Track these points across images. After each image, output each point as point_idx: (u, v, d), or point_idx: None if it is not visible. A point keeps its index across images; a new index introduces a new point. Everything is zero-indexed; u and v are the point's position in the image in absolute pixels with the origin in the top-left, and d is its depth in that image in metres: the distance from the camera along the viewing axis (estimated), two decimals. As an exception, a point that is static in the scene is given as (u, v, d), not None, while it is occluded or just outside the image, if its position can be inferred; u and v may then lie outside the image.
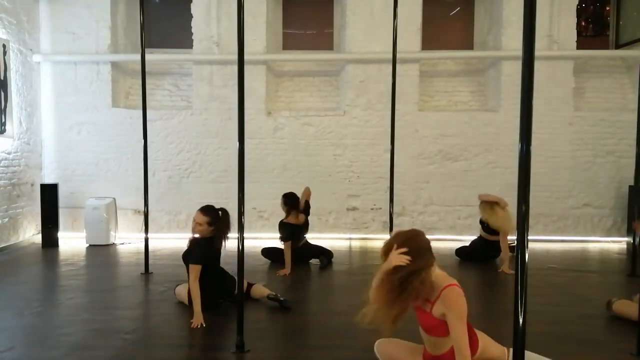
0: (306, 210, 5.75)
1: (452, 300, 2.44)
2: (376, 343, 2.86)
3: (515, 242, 2.05)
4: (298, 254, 5.65)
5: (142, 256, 5.45)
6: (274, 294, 4.28)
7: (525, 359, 2.14)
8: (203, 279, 3.99)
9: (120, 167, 7.50)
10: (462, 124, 7.37)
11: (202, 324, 3.73)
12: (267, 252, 5.96)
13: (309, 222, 5.86)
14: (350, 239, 7.37)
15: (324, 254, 5.88)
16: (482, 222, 5.91)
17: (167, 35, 8.03)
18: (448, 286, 2.47)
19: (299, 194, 5.76)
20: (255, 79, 7.30)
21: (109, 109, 7.46)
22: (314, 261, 5.90)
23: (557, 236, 7.34)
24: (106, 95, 7.46)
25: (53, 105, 7.51)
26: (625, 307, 3.87)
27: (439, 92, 7.72)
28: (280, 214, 5.81)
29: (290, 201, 5.64)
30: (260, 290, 4.37)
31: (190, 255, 4.03)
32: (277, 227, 5.64)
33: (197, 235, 4.13)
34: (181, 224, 7.47)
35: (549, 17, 7.17)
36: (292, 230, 5.52)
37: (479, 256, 6.00)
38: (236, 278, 4.12)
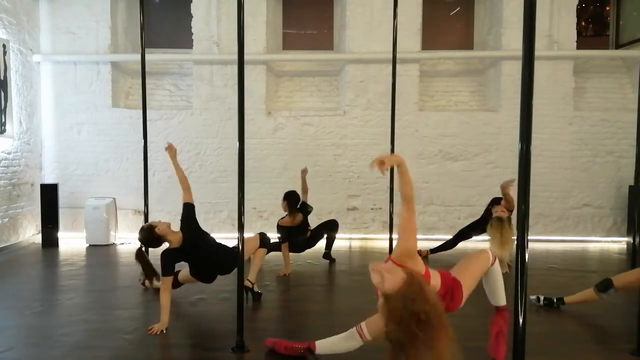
0: (303, 208, 5.62)
1: None
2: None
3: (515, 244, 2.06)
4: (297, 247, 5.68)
5: (142, 256, 5.44)
6: (252, 285, 4.35)
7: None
8: (197, 265, 4.12)
9: (120, 167, 7.50)
10: (462, 124, 7.37)
11: (162, 330, 3.67)
12: None
13: (309, 224, 5.74)
14: (350, 239, 7.37)
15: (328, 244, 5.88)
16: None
17: (167, 35, 8.03)
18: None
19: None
20: (255, 79, 7.30)
21: (109, 109, 7.46)
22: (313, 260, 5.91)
23: (557, 236, 7.34)
24: (106, 95, 7.46)
25: (53, 105, 7.50)
26: (625, 277, 3.79)
27: (438, 92, 7.72)
28: (279, 214, 5.78)
29: (291, 200, 5.52)
30: (252, 272, 4.40)
31: (162, 267, 3.90)
32: (276, 227, 5.61)
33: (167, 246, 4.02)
34: (181, 224, 7.45)
35: (549, 17, 7.17)
36: (288, 232, 5.50)
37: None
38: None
